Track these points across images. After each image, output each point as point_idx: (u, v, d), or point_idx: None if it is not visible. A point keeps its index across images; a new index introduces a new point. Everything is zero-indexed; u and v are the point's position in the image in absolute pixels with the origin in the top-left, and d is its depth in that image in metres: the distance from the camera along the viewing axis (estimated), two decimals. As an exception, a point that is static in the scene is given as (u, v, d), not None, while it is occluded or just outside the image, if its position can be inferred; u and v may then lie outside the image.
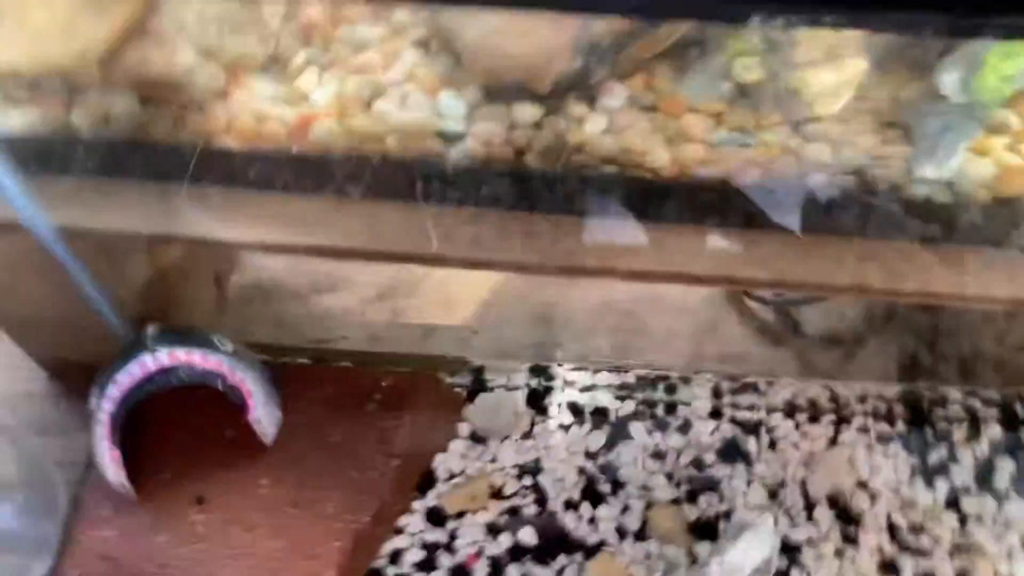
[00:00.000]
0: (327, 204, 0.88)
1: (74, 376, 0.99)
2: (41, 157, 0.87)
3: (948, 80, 0.75)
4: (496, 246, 0.86)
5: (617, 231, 0.86)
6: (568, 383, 1.07)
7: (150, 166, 0.87)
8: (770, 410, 1.07)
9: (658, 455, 1.04)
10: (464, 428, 1.04)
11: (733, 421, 1.06)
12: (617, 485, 1.02)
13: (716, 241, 0.86)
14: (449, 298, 1.20)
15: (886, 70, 0.80)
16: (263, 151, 0.83)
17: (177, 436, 0.98)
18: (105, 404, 0.88)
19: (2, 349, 1.18)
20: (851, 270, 0.84)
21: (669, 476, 1.03)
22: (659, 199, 0.84)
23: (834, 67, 0.77)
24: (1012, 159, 0.79)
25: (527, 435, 1.04)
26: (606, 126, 0.80)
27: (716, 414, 1.07)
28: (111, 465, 0.91)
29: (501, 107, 0.80)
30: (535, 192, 0.84)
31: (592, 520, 1.00)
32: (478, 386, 1.06)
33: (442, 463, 1.02)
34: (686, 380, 1.08)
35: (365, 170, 0.84)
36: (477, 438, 1.03)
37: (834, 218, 0.84)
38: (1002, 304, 0.86)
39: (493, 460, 1.03)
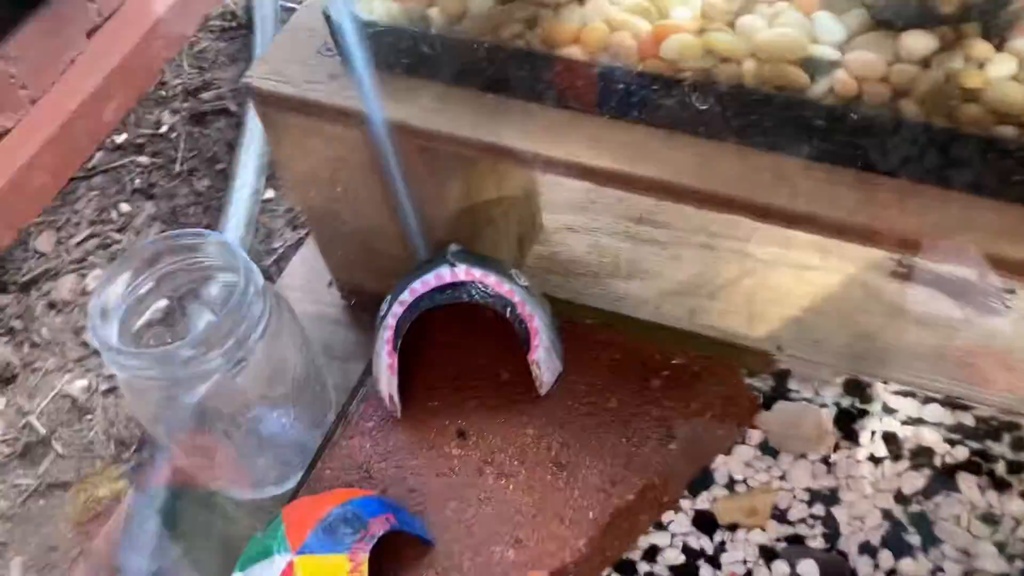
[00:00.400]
0: (661, 135, 0.81)
1: (368, 307, 0.98)
2: (393, 51, 0.87)
3: None
4: (849, 207, 0.74)
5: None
6: (889, 410, 0.91)
7: (491, 72, 0.84)
8: None
9: (990, 519, 0.85)
10: (755, 435, 0.91)
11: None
12: (930, 540, 0.84)
13: None
14: (755, 308, 1.09)
15: None
16: (606, 65, 0.78)
17: (452, 366, 0.94)
18: (396, 308, 0.86)
19: (312, 265, 1.21)
20: None
21: (1001, 547, 0.83)
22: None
23: None
24: None
25: (828, 459, 0.89)
26: (1015, 71, 0.66)
27: (1074, 488, 0.86)
28: (386, 373, 0.88)
29: (887, 36, 0.69)
30: (905, 150, 0.71)
31: (892, 572, 0.83)
32: (779, 393, 0.93)
33: (723, 465, 0.90)
34: (1041, 436, 0.88)
35: (712, 99, 0.76)
36: (768, 449, 0.90)
37: None
38: None
39: (782, 477, 0.89)
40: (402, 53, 0.86)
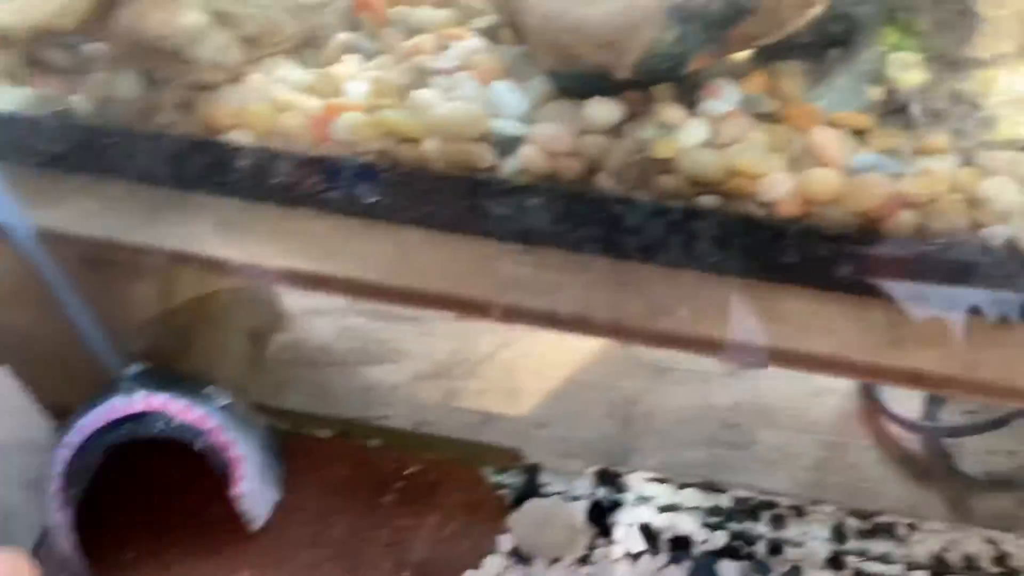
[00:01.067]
0: (348, 225, 0.70)
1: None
2: (32, 145, 0.73)
3: None
4: (551, 294, 0.65)
5: (706, 289, 0.64)
6: (643, 498, 0.83)
7: (150, 164, 0.71)
8: (912, 565, 0.80)
9: (754, 606, 0.78)
10: (505, 541, 0.81)
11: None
12: (696, 639, 0.76)
13: (850, 310, 0.63)
14: (514, 383, 1.00)
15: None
16: (279, 149, 0.67)
17: (154, 508, 0.79)
18: (63, 452, 0.71)
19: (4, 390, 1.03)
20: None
21: (767, 635, 0.76)
22: (773, 246, 0.62)
23: (1032, 69, 0.56)
24: None
25: (584, 560, 0.80)
26: (707, 137, 0.60)
27: (836, 563, 0.80)
28: (61, 530, 0.73)
29: (574, 105, 0.61)
30: (604, 225, 0.64)
31: None
32: (529, 489, 0.83)
33: (472, 583, 0.79)
34: (799, 511, 0.82)
35: (394, 181, 0.66)
36: (520, 556, 0.80)
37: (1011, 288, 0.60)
38: None
39: (538, 587, 0.79)
40: (43, 147, 0.72)
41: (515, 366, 1.02)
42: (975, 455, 0.94)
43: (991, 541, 0.80)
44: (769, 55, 0.63)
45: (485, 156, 0.63)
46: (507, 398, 1.02)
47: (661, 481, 0.84)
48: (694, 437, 0.92)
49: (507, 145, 0.62)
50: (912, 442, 0.96)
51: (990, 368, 0.60)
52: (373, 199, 0.68)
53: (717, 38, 0.55)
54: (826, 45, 0.63)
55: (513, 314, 0.67)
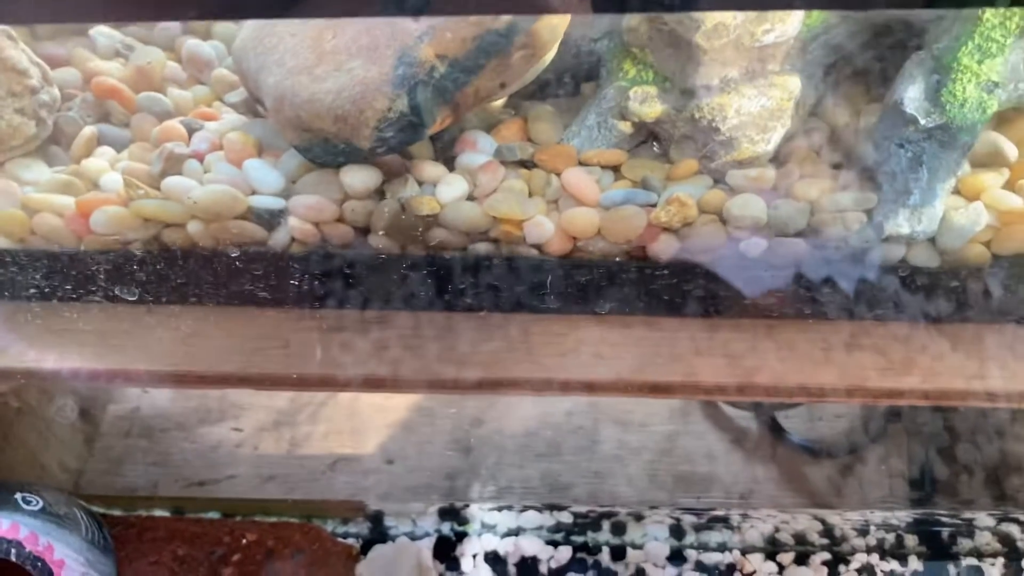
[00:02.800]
0: (132, 313, 0.68)
1: None
2: None
3: (911, 95, 0.54)
4: (349, 357, 0.65)
5: (503, 330, 0.65)
6: (487, 526, 0.84)
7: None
8: (746, 550, 0.83)
9: (604, 617, 0.80)
10: (357, 593, 0.81)
11: (700, 567, 0.82)
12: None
13: (635, 332, 0.65)
14: (358, 422, 0.99)
15: (830, 88, 0.60)
16: (36, 250, 0.64)
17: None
18: None
19: None
20: (826, 364, 0.62)
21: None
22: (553, 281, 0.63)
23: (758, 89, 0.58)
24: (1012, 201, 0.57)
25: (436, 597, 0.80)
26: (467, 189, 0.60)
27: (677, 557, 0.83)
28: None
29: (332, 175, 0.60)
30: (387, 280, 0.63)
31: None
32: (375, 535, 0.83)
33: (324, 640, 0.79)
34: (638, 517, 0.84)
35: (166, 265, 0.64)
36: (374, 605, 0.79)
37: (787, 296, 0.63)
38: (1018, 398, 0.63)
39: (393, 633, 0.79)
40: None
41: (358, 404, 1.02)
42: (805, 424, 0.98)
43: (817, 518, 0.84)
44: (523, 98, 0.64)
45: (252, 231, 0.62)
46: (353, 438, 1.02)
47: (502, 508, 0.85)
48: (538, 449, 0.94)
49: (272, 218, 0.61)
50: (747, 420, 1.00)
51: (768, 373, 0.63)
52: (149, 284, 0.66)
53: (450, 101, 0.55)
54: (575, 82, 0.64)
55: (315, 383, 0.67)
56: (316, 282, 0.64)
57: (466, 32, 0.52)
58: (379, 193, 0.61)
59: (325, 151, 0.58)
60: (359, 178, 0.60)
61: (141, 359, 0.66)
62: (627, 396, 0.66)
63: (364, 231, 0.62)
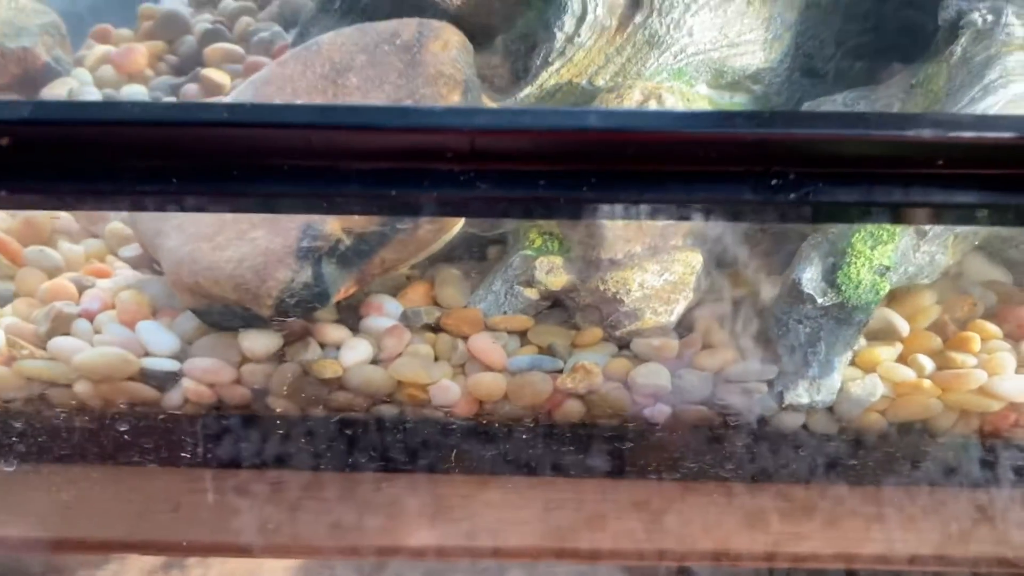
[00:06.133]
0: (13, 477, 0.64)
1: None
2: None
3: (808, 276, 0.56)
4: (233, 521, 0.62)
5: (408, 492, 0.63)
6: None
7: None
8: None
9: None
10: None
11: None
12: None
13: (543, 495, 0.64)
14: (251, 567, 0.94)
15: (732, 265, 0.62)
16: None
17: None
18: None
19: None
20: (736, 527, 0.62)
21: None
22: (460, 443, 0.62)
23: (661, 264, 0.59)
24: (905, 373, 0.59)
25: None
26: (372, 353, 0.59)
27: None
28: None
29: (231, 337, 0.58)
30: (286, 443, 0.61)
31: None
32: None
33: None
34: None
35: (51, 425, 0.61)
36: None
37: (680, 461, 0.63)
38: (921, 561, 0.64)
39: None
40: None
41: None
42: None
43: None
44: (430, 261, 0.64)
45: (143, 393, 0.59)
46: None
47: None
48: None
49: (165, 380, 0.59)
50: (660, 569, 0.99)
51: (676, 537, 0.63)
52: (30, 445, 0.62)
53: (354, 271, 0.54)
54: (483, 247, 0.65)
55: (205, 548, 0.63)
56: (210, 444, 0.62)
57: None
58: (279, 356, 0.59)
59: (224, 316, 0.57)
60: (259, 342, 0.58)
61: (14, 524, 0.62)
62: (537, 560, 0.64)
63: (263, 393, 0.60)
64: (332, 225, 0.52)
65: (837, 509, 0.65)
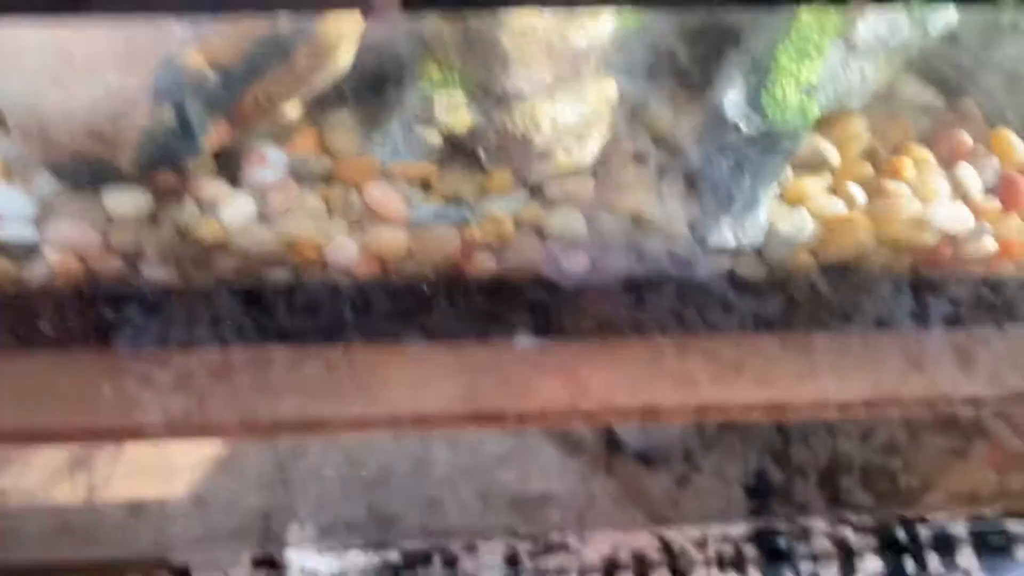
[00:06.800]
0: None
1: None
2: None
3: (731, 99, 0.51)
4: (128, 402, 0.57)
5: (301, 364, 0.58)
6: (306, 573, 0.76)
7: None
8: (584, 572, 0.79)
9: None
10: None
11: (539, 595, 0.78)
12: None
13: (461, 357, 0.59)
14: (162, 460, 0.89)
15: (652, 92, 0.57)
16: None
17: None
18: None
19: None
20: (662, 380, 0.59)
21: None
22: (364, 307, 0.57)
23: (573, 95, 0.53)
24: (836, 206, 0.55)
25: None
26: (256, 210, 0.53)
27: (516, 587, 0.78)
28: None
29: (90, 197, 0.52)
30: (172, 315, 0.55)
31: None
32: (183, 593, 0.74)
33: None
34: (470, 548, 0.79)
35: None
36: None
37: (615, 312, 0.59)
38: (851, 408, 0.61)
39: None
40: None
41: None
42: (640, 432, 0.95)
43: (655, 534, 0.81)
44: (320, 106, 0.57)
45: (2, 268, 0.52)
46: (160, 479, 0.92)
47: (323, 551, 0.78)
48: (364, 479, 0.87)
49: (27, 252, 0.52)
50: (585, 430, 0.97)
51: (602, 392, 0.59)
52: None
53: (226, 112, 0.47)
54: (377, 89, 0.58)
55: (102, 433, 0.58)
56: (89, 321, 0.56)
57: (239, 35, 0.45)
58: (152, 218, 0.53)
59: (83, 173, 0.50)
60: (127, 202, 0.51)
61: None
62: (460, 428, 0.61)
63: (136, 261, 0.54)
64: (194, 58, 0.45)
65: (765, 363, 0.62)
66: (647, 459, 0.91)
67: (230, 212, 0.53)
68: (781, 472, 0.87)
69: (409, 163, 0.55)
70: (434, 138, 0.55)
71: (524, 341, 0.60)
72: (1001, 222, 0.57)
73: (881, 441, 0.87)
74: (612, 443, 0.93)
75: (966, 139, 0.57)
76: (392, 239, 0.54)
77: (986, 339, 0.66)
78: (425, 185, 0.56)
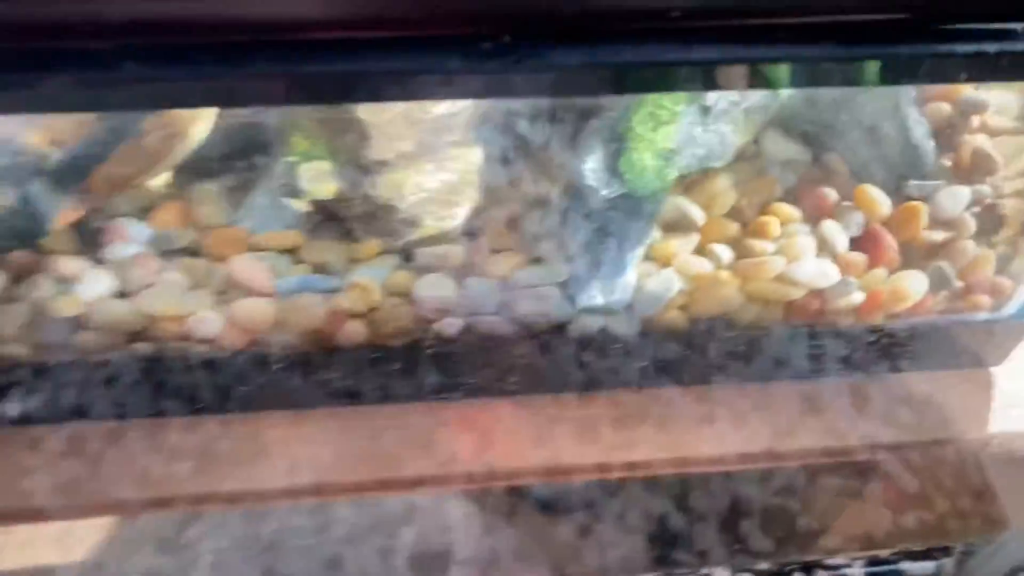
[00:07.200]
0: None
1: None
2: None
3: (591, 167, 0.52)
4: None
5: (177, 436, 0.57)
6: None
7: None
8: (489, 629, 0.78)
9: None
10: None
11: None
12: None
13: (333, 426, 0.59)
14: (58, 525, 0.86)
15: (521, 156, 0.57)
16: None
17: None
18: None
19: None
20: (541, 441, 0.59)
21: None
22: (233, 379, 0.56)
23: (437, 163, 0.53)
24: (701, 264, 0.56)
25: None
26: (115, 285, 0.52)
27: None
28: None
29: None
30: (31, 393, 0.54)
31: None
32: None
33: None
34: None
35: None
36: None
37: (474, 377, 0.59)
38: (731, 463, 0.62)
39: None
40: None
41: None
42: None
43: (556, 585, 0.80)
44: (186, 177, 0.56)
45: None
46: (53, 543, 0.89)
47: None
48: (260, 541, 0.85)
49: None
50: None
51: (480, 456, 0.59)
52: None
53: (73, 191, 0.47)
54: (245, 159, 0.58)
55: None
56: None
57: (81, 115, 0.44)
58: (7, 296, 0.52)
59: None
60: (-23, 280, 0.50)
61: None
62: (332, 499, 0.60)
63: (-3, 339, 0.53)
64: (36, 137, 0.44)
65: (627, 413, 0.63)
66: (550, 508, 0.91)
67: (87, 288, 0.52)
68: (683, 518, 0.88)
69: (276, 233, 0.54)
70: (302, 207, 0.55)
71: (395, 407, 0.59)
72: (867, 274, 0.59)
73: (780, 483, 0.88)
74: (515, 492, 0.93)
75: (831, 195, 0.58)
76: (258, 310, 0.53)
77: (880, 380, 0.67)
78: (294, 254, 0.55)
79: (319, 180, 0.54)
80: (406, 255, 0.56)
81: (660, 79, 0.33)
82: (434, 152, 0.53)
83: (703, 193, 0.57)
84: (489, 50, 0.29)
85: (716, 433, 0.66)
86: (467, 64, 0.29)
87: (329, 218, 0.56)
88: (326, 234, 0.56)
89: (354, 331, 0.55)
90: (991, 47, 0.37)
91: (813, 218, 0.59)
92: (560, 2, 0.30)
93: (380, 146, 0.52)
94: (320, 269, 0.55)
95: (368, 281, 0.53)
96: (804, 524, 0.88)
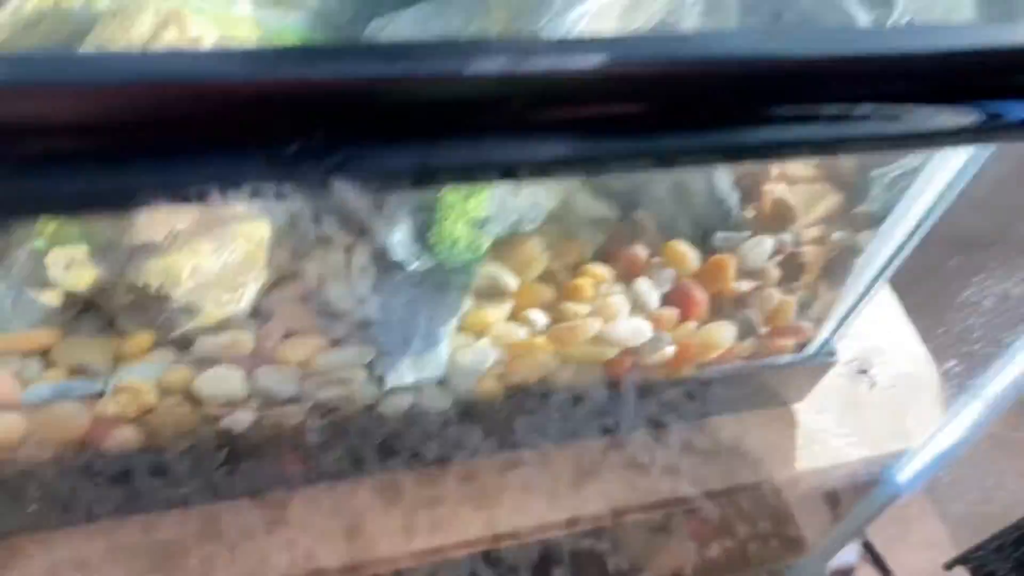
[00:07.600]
0: None
1: None
2: None
3: (398, 239, 0.46)
4: None
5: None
6: None
7: None
8: None
9: None
10: None
11: None
12: None
13: (121, 540, 0.50)
14: None
15: (317, 230, 0.51)
16: None
17: None
18: None
19: None
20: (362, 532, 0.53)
21: None
22: None
23: (218, 242, 0.46)
24: (516, 332, 0.52)
25: None
26: None
27: None
28: None
29: None
30: None
31: None
32: None
33: None
34: None
35: None
36: None
37: (303, 465, 0.52)
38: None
39: None
40: None
41: None
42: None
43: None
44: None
45: None
46: None
47: None
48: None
49: None
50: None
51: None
52: None
53: None
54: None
55: None
56: None
57: None
58: None
59: None
60: None
61: None
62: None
63: None
64: None
65: (452, 489, 0.59)
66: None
67: None
68: (493, 572, 0.84)
69: (20, 334, 0.45)
70: (52, 300, 0.46)
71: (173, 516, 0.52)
72: (678, 329, 0.57)
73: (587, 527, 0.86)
74: None
75: (641, 253, 0.57)
76: (2, 426, 0.44)
77: (691, 426, 0.67)
78: (46, 356, 0.46)
79: (73, 268, 0.45)
80: (184, 346, 0.48)
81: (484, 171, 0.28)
82: (213, 229, 0.46)
83: (515, 258, 0.53)
84: (298, 153, 0.24)
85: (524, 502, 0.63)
86: (271, 171, 0.23)
87: (87, 310, 0.48)
88: (85, 330, 0.47)
89: (125, 438, 0.47)
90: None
91: (626, 276, 0.57)
92: (379, 94, 0.25)
93: (146, 226, 0.44)
94: (79, 371, 0.46)
95: (138, 382, 0.45)
96: (615, 564, 0.87)
